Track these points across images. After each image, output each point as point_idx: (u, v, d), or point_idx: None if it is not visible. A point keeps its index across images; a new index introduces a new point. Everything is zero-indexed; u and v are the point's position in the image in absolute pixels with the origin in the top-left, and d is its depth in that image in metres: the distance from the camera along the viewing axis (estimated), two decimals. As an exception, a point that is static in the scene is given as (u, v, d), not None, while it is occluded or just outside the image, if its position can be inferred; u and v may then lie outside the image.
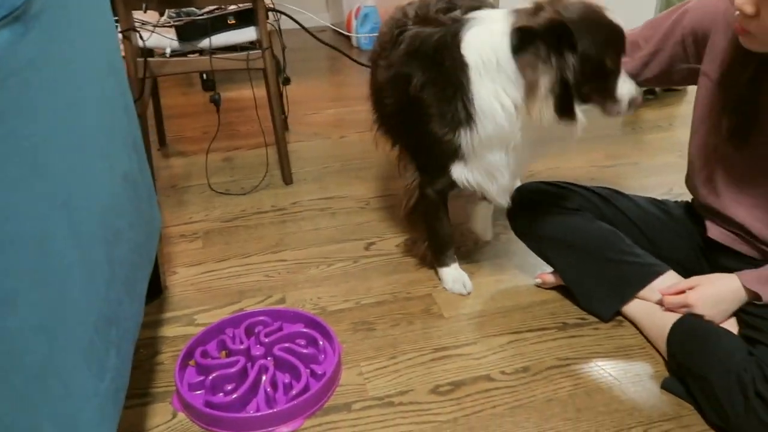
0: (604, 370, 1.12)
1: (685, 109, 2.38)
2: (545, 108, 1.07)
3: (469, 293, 1.34)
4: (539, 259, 1.36)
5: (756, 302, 1.04)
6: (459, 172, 1.22)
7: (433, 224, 1.35)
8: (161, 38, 1.69)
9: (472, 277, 1.38)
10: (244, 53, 1.72)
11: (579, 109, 1.11)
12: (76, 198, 0.74)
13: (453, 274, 1.37)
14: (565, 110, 1.09)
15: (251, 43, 1.79)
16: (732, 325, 1.08)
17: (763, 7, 0.85)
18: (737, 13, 0.90)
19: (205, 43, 1.71)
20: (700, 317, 1.08)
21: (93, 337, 0.76)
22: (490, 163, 1.19)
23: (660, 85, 1.18)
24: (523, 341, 1.20)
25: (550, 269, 1.34)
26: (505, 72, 1.08)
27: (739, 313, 1.08)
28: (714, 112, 1.09)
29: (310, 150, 2.14)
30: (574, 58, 1.04)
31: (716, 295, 1.08)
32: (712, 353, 0.99)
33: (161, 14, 1.80)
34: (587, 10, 1.06)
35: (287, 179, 1.88)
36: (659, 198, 1.35)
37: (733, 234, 1.13)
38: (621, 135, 2.21)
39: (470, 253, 1.49)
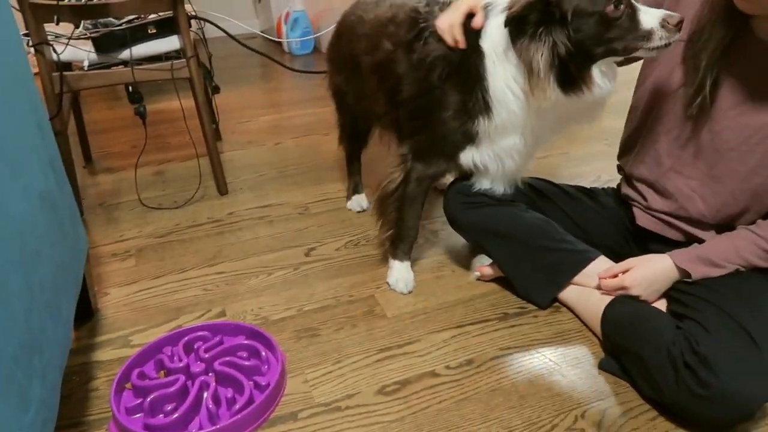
0: (545, 356, 1.15)
1: (611, 99, 2.47)
2: (548, 87, 1.06)
3: (409, 293, 1.35)
4: (478, 252, 1.38)
5: (686, 280, 1.09)
6: (468, 155, 1.24)
7: (407, 212, 1.34)
8: (77, 51, 1.62)
9: (415, 274, 1.38)
10: (168, 63, 1.67)
11: (600, 73, 1.07)
12: (-17, 221, 0.70)
13: (401, 272, 1.38)
14: (569, 83, 1.06)
15: (176, 52, 1.74)
16: (661, 304, 1.13)
17: None
18: None
19: (125, 54, 1.65)
20: (633, 298, 1.12)
21: (12, 369, 0.71)
22: (503, 147, 1.21)
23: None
24: (466, 335, 1.21)
25: (488, 261, 1.36)
26: (511, 59, 1.10)
27: (668, 291, 1.12)
28: (676, 78, 1.09)
29: (244, 158, 2.10)
30: (567, 26, 1.02)
31: (650, 276, 1.12)
32: (643, 331, 1.03)
33: (76, 26, 1.72)
34: None
35: (222, 189, 1.84)
36: (588, 186, 1.40)
37: (661, 221, 1.18)
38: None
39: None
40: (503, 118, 1.16)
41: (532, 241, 1.25)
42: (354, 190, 1.76)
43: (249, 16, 4.23)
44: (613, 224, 1.29)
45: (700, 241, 1.12)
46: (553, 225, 1.27)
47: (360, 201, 1.73)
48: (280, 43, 3.59)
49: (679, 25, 1.00)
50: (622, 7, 1.01)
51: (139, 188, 1.87)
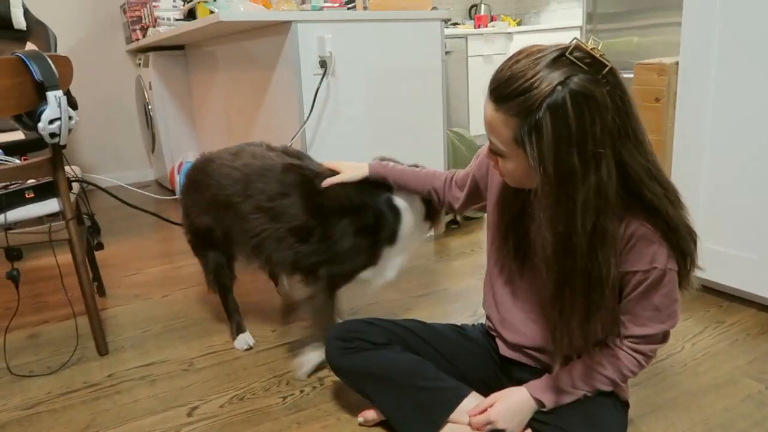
0: (426, 501, 1.16)
1: (484, 235, 2.70)
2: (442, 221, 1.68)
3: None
4: (361, 397, 1.40)
5: (542, 410, 1.18)
6: (367, 273, 1.58)
7: (325, 313, 1.61)
8: (-53, 218, 1.59)
9: (298, 427, 1.38)
10: (46, 226, 1.67)
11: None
12: None
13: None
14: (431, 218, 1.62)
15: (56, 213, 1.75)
16: (527, 434, 1.20)
17: (498, 160, 1.08)
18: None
19: (0, 219, 1.64)
20: (501, 431, 1.18)
21: None
22: (392, 264, 1.60)
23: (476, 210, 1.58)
24: (349, 487, 1.21)
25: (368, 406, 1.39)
26: (416, 209, 1.58)
27: (531, 422, 1.20)
28: (497, 235, 1.28)
29: (129, 314, 2.05)
30: None
31: (511, 408, 1.20)
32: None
33: (-51, 193, 1.70)
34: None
35: (102, 350, 1.77)
36: (462, 322, 1.50)
37: (519, 350, 1.29)
38: (433, 263, 2.43)
39: (296, 402, 1.50)
40: (402, 246, 1.57)
41: (408, 381, 1.31)
42: (238, 329, 1.80)
43: (143, 165, 4.31)
44: (482, 357, 1.38)
45: (552, 368, 1.22)
46: (427, 365, 1.34)
47: (246, 339, 1.79)
48: (173, 191, 3.65)
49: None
50: None
51: (10, 354, 1.77)
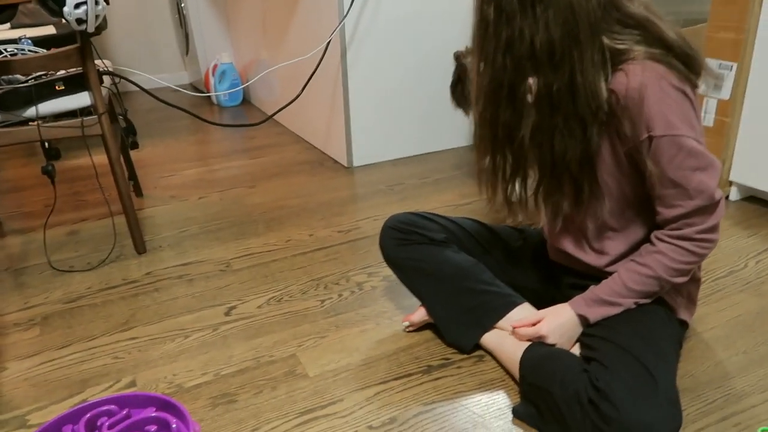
0: (468, 408, 1.13)
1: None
2: None
3: None
4: (401, 304, 1.36)
5: (587, 325, 1.11)
6: None
7: None
8: (-22, 109, 1.55)
9: (337, 330, 1.35)
10: (79, 120, 1.61)
11: None
12: None
13: None
14: None
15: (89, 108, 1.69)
16: (576, 350, 1.14)
17: None
18: None
19: (31, 111, 1.59)
20: (550, 346, 1.12)
21: None
22: None
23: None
24: (389, 390, 1.18)
25: (411, 312, 1.34)
26: None
27: (580, 337, 1.14)
28: None
29: (166, 214, 2.03)
30: None
31: (561, 325, 1.13)
32: (555, 369, 1.03)
33: (-22, 83, 1.64)
34: None
35: (139, 248, 1.76)
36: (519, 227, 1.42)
37: (561, 253, 1.22)
38: (472, 176, 2.32)
39: (334, 305, 1.47)
40: None
41: (461, 282, 1.25)
42: None
43: (178, 68, 4.20)
44: (537, 266, 1.31)
45: (596, 271, 1.16)
46: (482, 268, 1.28)
47: None
48: (209, 95, 3.56)
49: None
50: None
51: (51, 250, 1.77)
